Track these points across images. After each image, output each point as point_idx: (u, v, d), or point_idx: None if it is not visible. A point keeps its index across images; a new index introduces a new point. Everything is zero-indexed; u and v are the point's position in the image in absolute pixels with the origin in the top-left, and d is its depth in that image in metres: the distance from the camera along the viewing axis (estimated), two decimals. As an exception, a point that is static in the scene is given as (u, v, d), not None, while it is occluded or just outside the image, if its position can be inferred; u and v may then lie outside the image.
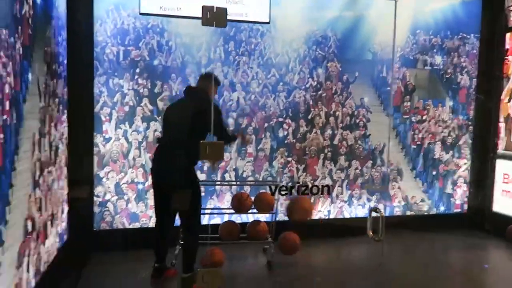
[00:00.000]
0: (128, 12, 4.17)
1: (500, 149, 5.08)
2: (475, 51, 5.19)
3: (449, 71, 5.13)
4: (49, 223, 3.13)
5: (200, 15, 4.24)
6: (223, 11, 1.79)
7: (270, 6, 4.43)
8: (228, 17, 4.36)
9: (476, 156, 5.24)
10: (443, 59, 5.10)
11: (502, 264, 4.24)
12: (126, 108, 4.22)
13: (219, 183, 4.46)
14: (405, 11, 4.91)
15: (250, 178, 4.56)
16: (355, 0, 4.76)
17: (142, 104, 4.27)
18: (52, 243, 3.22)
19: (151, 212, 4.29)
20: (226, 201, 4.47)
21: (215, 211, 4.32)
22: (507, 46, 5.00)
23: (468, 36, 5.16)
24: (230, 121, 4.50)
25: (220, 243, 3.84)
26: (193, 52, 4.37)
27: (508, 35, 5.02)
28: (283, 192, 3.59)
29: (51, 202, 3.20)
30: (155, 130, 4.32)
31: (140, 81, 4.25)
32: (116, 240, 4.10)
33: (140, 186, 4.29)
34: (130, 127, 4.24)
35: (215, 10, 1.77)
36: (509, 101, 5.00)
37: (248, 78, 4.55)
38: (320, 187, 3.77)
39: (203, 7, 1.79)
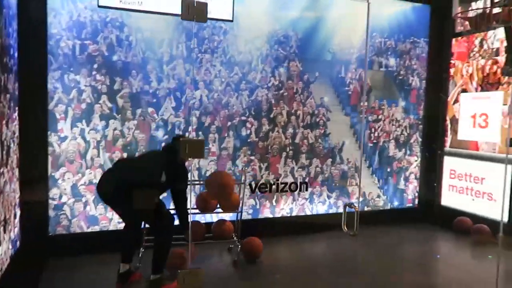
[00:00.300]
0: (85, 4, 3.96)
1: (447, 147, 5.44)
2: (424, 55, 5.50)
3: (401, 73, 5.40)
4: (1, 228, 2.90)
5: (162, 10, 4.15)
6: (203, 6, 1.75)
7: (233, 4, 4.41)
8: (191, 14, 4.30)
9: (425, 153, 5.57)
10: (396, 62, 5.36)
11: (451, 254, 4.54)
12: (83, 106, 4.01)
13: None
14: (361, 14, 5.09)
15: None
16: (315, 1, 4.87)
17: (100, 101, 4.08)
18: (5, 250, 2.99)
19: (111, 214, 4.12)
20: (189, 201, 4.38)
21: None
22: (453, 51, 5.37)
23: (418, 40, 5.46)
24: (193, 119, 4.43)
25: (186, 244, 3.77)
26: (155, 48, 4.24)
27: (454, 40, 5.39)
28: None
29: (3, 206, 2.96)
30: (115, 129, 4.14)
31: (98, 77, 4.05)
32: (74, 245, 3.88)
33: (98, 187, 4.09)
34: (88, 125, 4.04)
35: (195, 5, 1.72)
36: (454, 103, 5.36)
37: (211, 76, 4.50)
38: (298, 184, 3.81)
39: (183, 1, 1.73)
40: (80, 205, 4.03)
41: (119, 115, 4.16)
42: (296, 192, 4.88)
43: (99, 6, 3.95)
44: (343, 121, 5.11)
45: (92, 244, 3.93)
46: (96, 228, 4.09)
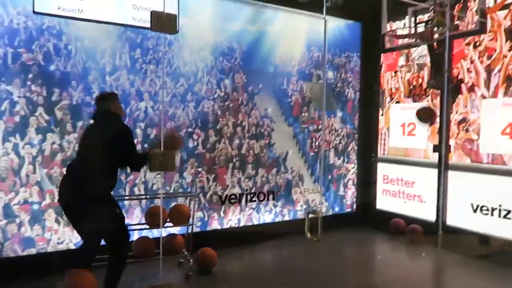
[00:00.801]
0: (18, 10, 3.69)
1: (380, 154, 5.85)
2: (357, 68, 5.90)
3: (338, 85, 5.72)
4: None
5: (105, 19, 3.99)
6: (173, 17, 1.74)
7: (178, 14, 4.38)
8: (135, 23, 4.20)
9: (360, 160, 5.93)
10: (334, 74, 5.67)
11: (390, 254, 4.87)
12: (17, 118, 3.71)
13: (127, 197, 4.19)
14: (301, 29, 5.35)
15: (161, 191, 4.39)
16: (258, 14, 5.00)
17: (36, 113, 3.79)
18: None
19: (50, 235, 3.83)
20: (135, 216, 4.23)
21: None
22: (382, 64, 5.82)
23: (352, 55, 5.84)
24: (138, 131, 4.29)
25: (134, 262, 3.62)
26: (96, 58, 4.06)
27: (383, 55, 5.84)
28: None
29: None
30: (53, 143, 3.87)
31: (33, 87, 3.77)
32: (7, 271, 3.53)
33: (35, 207, 3.78)
34: (22, 139, 3.73)
35: (164, 16, 1.71)
36: (382, 114, 5.80)
37: (156, 87, 4.40)
38: (265, 193, 3.85)
39: (152, 12, 1.71)
40: (13, 227, 3.69)
41: (58, 128, 3.90)
42: (243, 203, 4.92)
43: (34, 12, 3.70)
44: (286, 131, 5.28)
45: (28, 269, 3.60)
46: (33, 251, 3.77)
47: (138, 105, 4.31)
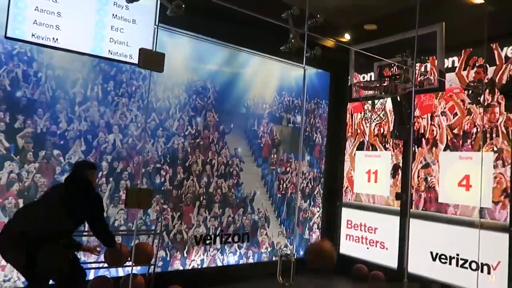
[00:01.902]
0: (-12, 33, 3.58)
1: (352, 200, 5.95)
2: (325, 115, 6.10)
3: (307, 129, 5.88)
4: None
5: (80, 49, 3.95)
6: (161, 56, 1.76)
7: (155, 50, 4.41)
8: (111, 56, 4.18)
9: (326, 204, 6.00)
10: (303, 119, 5.83)
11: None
12: (-26, 144, 3.51)
13: (86, 233, 3.97)
14: (273, 73, 5.52)
15: (123, 228, 4.22)
16: (233, 57, 5.13)
17: (-4, 140, 3.61)
18: None
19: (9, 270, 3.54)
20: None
21: (84, 266, 3.80)
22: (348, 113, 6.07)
23: (321, 101, 6.06)
24: (104, 164, 4.16)
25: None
26: (67, 87, 3.98)
27: (349, 104, 6.10)
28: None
29: None
30: (10, 172, 3.67)
31: (-4, 113, 3.62)
32: None
33: (-17, 240, 3.50)
34: (-22, 166, 3.52)
35: (153, 55, 1.73)
36: (352, 155, 5.98)
37: (127, 121, 4.34)
38: (241, 234, 3.76)
39: (141, 50, 1.73)
40: (-44, 262, 3.38)
41: (18, 157, 3.71)
42: (207, 243, 4.80)
43: (6, 37, 3.60)
44: (255, 171, 5.30)
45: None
46: (-24, 289, 3.45)
47: (107, 137, 4.21)
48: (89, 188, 3.10)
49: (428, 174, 4.92)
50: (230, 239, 4.07)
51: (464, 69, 4.72)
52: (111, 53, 4.14)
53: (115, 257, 3.49)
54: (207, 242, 3.85)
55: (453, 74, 4.78)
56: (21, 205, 3.67)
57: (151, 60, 1.72)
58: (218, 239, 4.57)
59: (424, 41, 4.34)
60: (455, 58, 4.82)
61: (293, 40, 2.67)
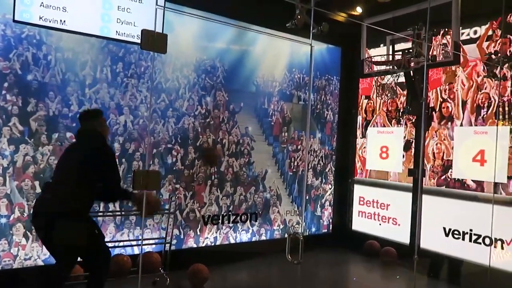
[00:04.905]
0: (-3, 18, 3.60)
1: (357, 176, 5.94)
2: (337, 91, 6.02)
3: (318, 106, 5.81)
4: None
5: (88, 31, 3.94)
6: (164, 37, 1.74)
7: (162, 30, 4.37)
8: (119, 37, 4.17)
9: (337, 181, 5.99)
10: (314, 96, 5.77)
11: (364, 275, 4.89)
12: (-11, 128, 3.58)
13: (101, 214, 4.07)
14: (283, 51, 5.44)
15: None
16: (241, 35, 5.06)
17: (10, 123, 3.67)
18: None
19: (16, 250, 3.67)
20: (109, 232, 4.11)
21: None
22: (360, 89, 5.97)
23: (332, 78, 5.97)
24: (116, 145, 4.21)
25: (108, 280, 3.49)
26: (76, 70, 3.99)
27: (361, 80, 5.99)
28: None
29: None
30: (26, 155, 3.75)
31: (8, 97, 3.66)
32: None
33: (3, 220, 3.62)
34: (-7, 150, 3.60)
35: (155, 36, 1.71)
36: (363, 137, 5.92)
37: (137, 102, 4.35)
38: (248, 214, 3.80)
39: (143, 31, 1.70)
40: (-22, 242, 3.51)
41: (32, 140, 3.78)
42: (220, 221, 4.87)
43: (14, 21, 3.61)
44: (266, 150, 5.30)
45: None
46: (-2, 268, 3.59)
47: (118, 119, 4.24)
48: (98, 142, 2.88)
49: (440, 149, 4.85)
50: (238, 219, 4.12)
51: (487, 40, 4.54)
52: (119, 34, 4.14)
53: (143, 206, 3.43)
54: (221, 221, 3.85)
55: (473, 46, 4.62)
56: (37, 187, 3.76)
57: (153, 41, 1.70)
58: (229, 218, 4.60)
59: (444, 12, 4.18)
60: (477, 28, 4.63)
61: (299, 16, 2.61)
